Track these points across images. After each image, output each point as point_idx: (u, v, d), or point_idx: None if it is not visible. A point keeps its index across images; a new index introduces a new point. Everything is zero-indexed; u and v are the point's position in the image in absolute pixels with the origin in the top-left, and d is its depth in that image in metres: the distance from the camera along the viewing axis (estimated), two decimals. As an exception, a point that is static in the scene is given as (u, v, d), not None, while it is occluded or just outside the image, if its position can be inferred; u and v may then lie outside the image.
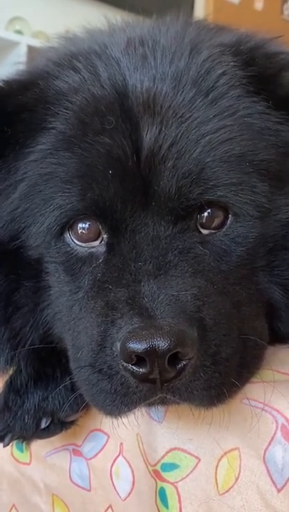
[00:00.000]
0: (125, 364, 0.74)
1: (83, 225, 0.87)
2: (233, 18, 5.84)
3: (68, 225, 0.87)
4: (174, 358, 0.72)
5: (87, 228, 0.87)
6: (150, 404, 0.80)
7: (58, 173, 0.86)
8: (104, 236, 0.86)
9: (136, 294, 0.77)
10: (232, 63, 0.89)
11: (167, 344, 0.70)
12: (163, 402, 0.79)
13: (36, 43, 4.42)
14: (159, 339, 0.71)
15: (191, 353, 0.73)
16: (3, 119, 0.90)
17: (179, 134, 0.83)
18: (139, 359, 0.72)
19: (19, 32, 4.70)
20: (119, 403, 0.78)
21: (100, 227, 0.86)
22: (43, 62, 0.97)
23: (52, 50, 1.02)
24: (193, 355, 0.74)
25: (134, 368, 0.73)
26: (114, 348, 0.76)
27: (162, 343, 0.70)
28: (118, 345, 0.74)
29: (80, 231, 0.87)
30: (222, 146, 0.83)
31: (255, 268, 0.88)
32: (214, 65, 0.88)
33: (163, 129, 0.83)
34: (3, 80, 0.97)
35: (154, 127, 0.83)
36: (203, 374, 0.75)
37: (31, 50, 4.33)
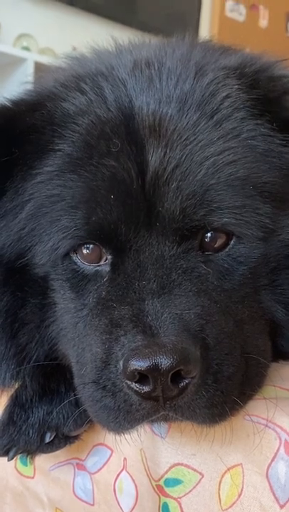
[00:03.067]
0: (128, 382, 0.75)
1: (87, 251, 0.88)
2: (238, 35, 5.93)
3: (73, 248, 0.89)
4: (177, 376, 0.73)
5: (91, 251, 0.88)
6: (153, 421, 0.81)
7: (64, 196, 0.87)
8: (109, 257, 0.87)
9: (140, 312, 0.78)
10: (236, 86, 0.90)
11: (170, 362, 0.71)
12: (166, 419, 0.79)
13: (43, 59, 4.48)
14: (161, 357, 0.71)
15: (194, 371, 0.74)
16: (12, 140, 0.92)
17: (184, 156, 0.84)
18: (142, 377, 0.73)
19: (26, 48, 4.75)
20: (123, 420, 0.78)
21: (104, 251, 0.87)
22: (51, 83, 0.98)
23: (59, 71, 1.03)
24: (195, 374, 0.74)
25: (137, 385, 0.74)
26: (118, 366, 0.77)
27: (165, 361, 0.71)
28: (121, 362, 0.75)
29: (84, 251, 0.88)
30: (226, 168, 0.84)
31: (258, 287, 0.88)
32: (219, 88, 0.89)
33: (168, 151, 0.84)
34: (12, 101, 0.98)
35: (160, 150, 0.84)
36: (205, 392, 0.76)
37: (38, 66, 4.37)
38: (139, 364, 0.72)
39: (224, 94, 0.89)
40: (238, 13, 6.18)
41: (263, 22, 6.37)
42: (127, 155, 0.85)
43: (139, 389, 0.74)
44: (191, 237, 0.85)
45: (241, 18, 6.20)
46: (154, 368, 0.71)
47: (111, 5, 5.30)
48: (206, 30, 5.95)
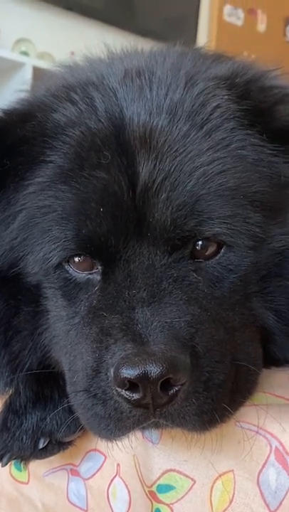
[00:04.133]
0: (118, 389, 0.75)
1: (78, 259, 0.89)
2: (236, 39, 5.95)
3: (65, 259, 0.89)
4: (167, 384, 0.73)
5: (82, 261, 0.89)
6: (144, 429, 0.82)
7: (55, 207, 0.87)
8: (99, 267, 0.88)
9: (130, 320, 0.78)
10: (226, 96, 0.90)
11: (159, 370, 0.71)
12: (156, 426, 0.79)
13: (41, 63, 4.49)
14: (151, 365, 0.72)
15: (183, 379, 0.74)
16: (3, 151, 0.92)
17: (173, 167, 0.84)
18: (132, 385, 0.73)
19: (25, 53, 4.74)
20: (114, 427, 0.79)
21: (95, 262, 0.88)
22: (42, 92, 0.99)
23: (52, 80, 1.04)
24: (185, 381, 0.75)
25: (127, 393, 0.74)
26: (108, 374, 0.77)
27: (154, 369, 0.71)
28: (112, 370, 0.75)
29: (76, 260, 0.89)
30: (216, 178, 0.85)
31: (249, 294, 0.89)
32: (209, 98, 0.90)
33: (158, 163, 0.85)
34: (4, 111, 0.99)
35: (150, 162, 0.85)
36: (195, 400, 0.76)
37: (37, 71, 4.37)
38: (129, 372, 0.73)
39: (214, 104, 0.89)
40: (236, 18, 6.18)
41: (261, 26, 6.37)
42: (118, 167, 0.86)
43: (130, 397, 0.74)
44: (182, 247, 0.85)
45: (239, 23, 6.20)
46: (144, 376, 0.72)
47: (109, 10, 5.30)
48: (204, 35, 5.95)
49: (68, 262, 0.90)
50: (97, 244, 0.85)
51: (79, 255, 0.88)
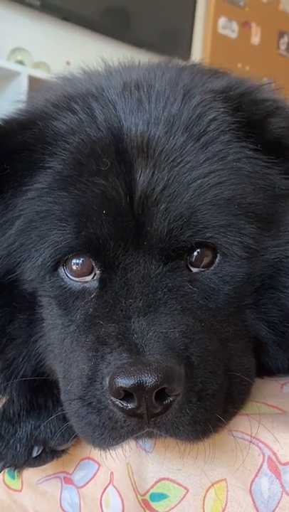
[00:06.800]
0: (113, 399, 0.76)
1: (77, 261, 0.89)
2: (231, 52, 6.00)
3: (63, 260, 0.89)
4: (161, 394, 0.74)
5: (81, 264, 0.89)
6: (138, 438, 0.82)
7: (54, 211, 0.88)
8: (97, 272, 0.88)
9: (126, 330, 0.79)
10: (222, 109, 0.92)
11: (154, 380, 0.72)
12: (150, 436, 0.80)
13: (37, 73, 4.51)
14: (146, 375, 0.72)
15: (178, 389, 0.75)
16: (3, 157, 0.93)
17: (172, 178, 0.85)
18: (127, 394, 0.74)
19: (21, 62, 4.75)
20: (108, 436, 0.79)
21: (94, 264, 0.88)
22: (42, 102, 0.99)
23: (50, 91, 1.04)
24: (179, 392, 0.75)
25: (122, 402, 0.75)
26: (103, 383, 0.77)
27: (150, 379, 0.72)
28: (107, 379, 0.76)
29: (74, 266, 0.89)
30: (212, 190, 0.86)
31: (243, 306, 0.90)
32: (205, 111, 0.91)
33: (156, 172, 0.86)
34: (4, 120, 1.00)
35: (148, 170, 0.86)
36: (189, 410, 0.77)
37: (32, 80, 4.38)
38: (124, 382, 0.73)
39: (210, 116, 0.90)
40: (231, 30, 6.22)
41: (255, 39, 6.41)
42: (116, 174, 0.86)
43: (124, 406, 0.75)
44: (178, 257, 0.86)
45: (234, 35, 6.23)
46: (139, 386, 0.72)
47: (105, 20, 5.33)
48: (198, 47, 5.99)
49: (65, 266, 0.90)
50: (96, 246, 0.86)
51: (78, 256, 0.88)
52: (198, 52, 5.94)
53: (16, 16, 4.88)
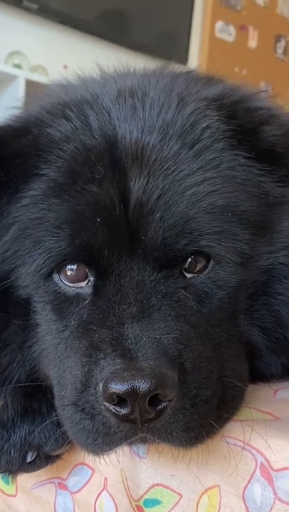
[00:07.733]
0: (107, 404, 0.76)
1: (71, 267, 0.89)
2: (228, 55, 6.02)
3: (57, 267, 0.89)
4: (155, 400, 0.74)
5: (76, 270, 0.89)
6: (131, 443, 0.82)
7: (48, 219, 0.88)
8: (91, 278, 0.88)
9: (119, 335, 0.79)
10: (216, 117, 0.92)
11: (148, 386, 0.72)
12: (143, 441, 0.80)
13: (34, 77, 4.51)
14: (140, 381, 0.72)
15: (171, 395, 0.75)
16: None
17: (166, 186, 0.85)
18: (121, 399, 0.74)
19: (18, 66, 4.75)
20: (101, 442, 0.79)
21: (88, 270, 0.88)
22: (37, 109, 1.00)
23: (46, 98, 1.05)
24: (173, 397, 0.75)
25: (116, 408, 0.75)
26: (97, 388, 0.77)
27: (143, 385, 0.72)
28: (101, 385, 0.76)
29: (68, 272, 0.89)
30: (206, 198, 0.86)
31: (236, 311, 0.90)
32: (199, 119, 0.91)
33: (150, 180, 0.86)
34: None
35: (142, 178, 0.86)
36: (182, 416, 0.77)
37: (29, 83, 4.38)
38: (117, 387, 0.73)
39: (204, 124, 0.91)
40: (228, 34, 6.23)
41: (252, 43, 6.42)
42: (110, 182, 0.87)
43: (118, 411, 0.75)
44: (172, 265, 0.86)
45: (231, 39, 6.24)
46: (133, 392, 0.73)
47: (103, 24, 5.33)
48: (196, 50, 6.00)
49: (59, 272, 0.90)
50: (91, 254, 0.86)
51: (72, 263, 0.89)
52: (196, 56, 5.95)
53: (13, 20, 4.88)
